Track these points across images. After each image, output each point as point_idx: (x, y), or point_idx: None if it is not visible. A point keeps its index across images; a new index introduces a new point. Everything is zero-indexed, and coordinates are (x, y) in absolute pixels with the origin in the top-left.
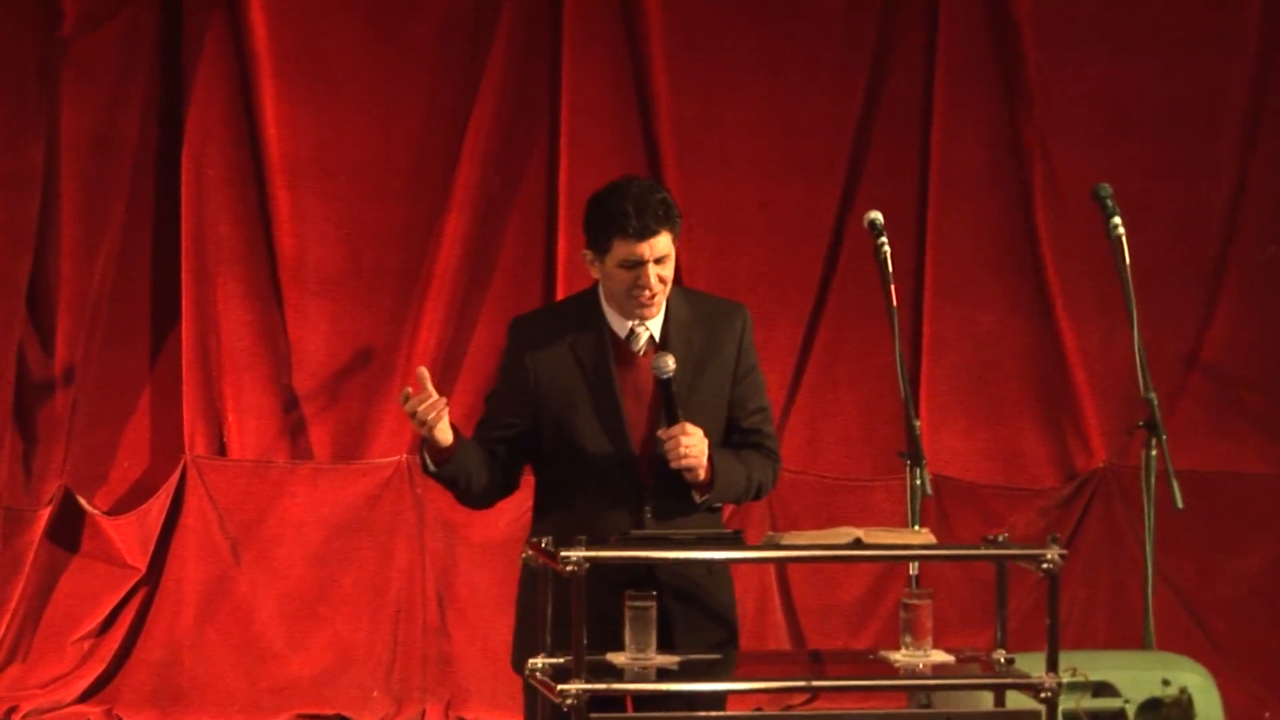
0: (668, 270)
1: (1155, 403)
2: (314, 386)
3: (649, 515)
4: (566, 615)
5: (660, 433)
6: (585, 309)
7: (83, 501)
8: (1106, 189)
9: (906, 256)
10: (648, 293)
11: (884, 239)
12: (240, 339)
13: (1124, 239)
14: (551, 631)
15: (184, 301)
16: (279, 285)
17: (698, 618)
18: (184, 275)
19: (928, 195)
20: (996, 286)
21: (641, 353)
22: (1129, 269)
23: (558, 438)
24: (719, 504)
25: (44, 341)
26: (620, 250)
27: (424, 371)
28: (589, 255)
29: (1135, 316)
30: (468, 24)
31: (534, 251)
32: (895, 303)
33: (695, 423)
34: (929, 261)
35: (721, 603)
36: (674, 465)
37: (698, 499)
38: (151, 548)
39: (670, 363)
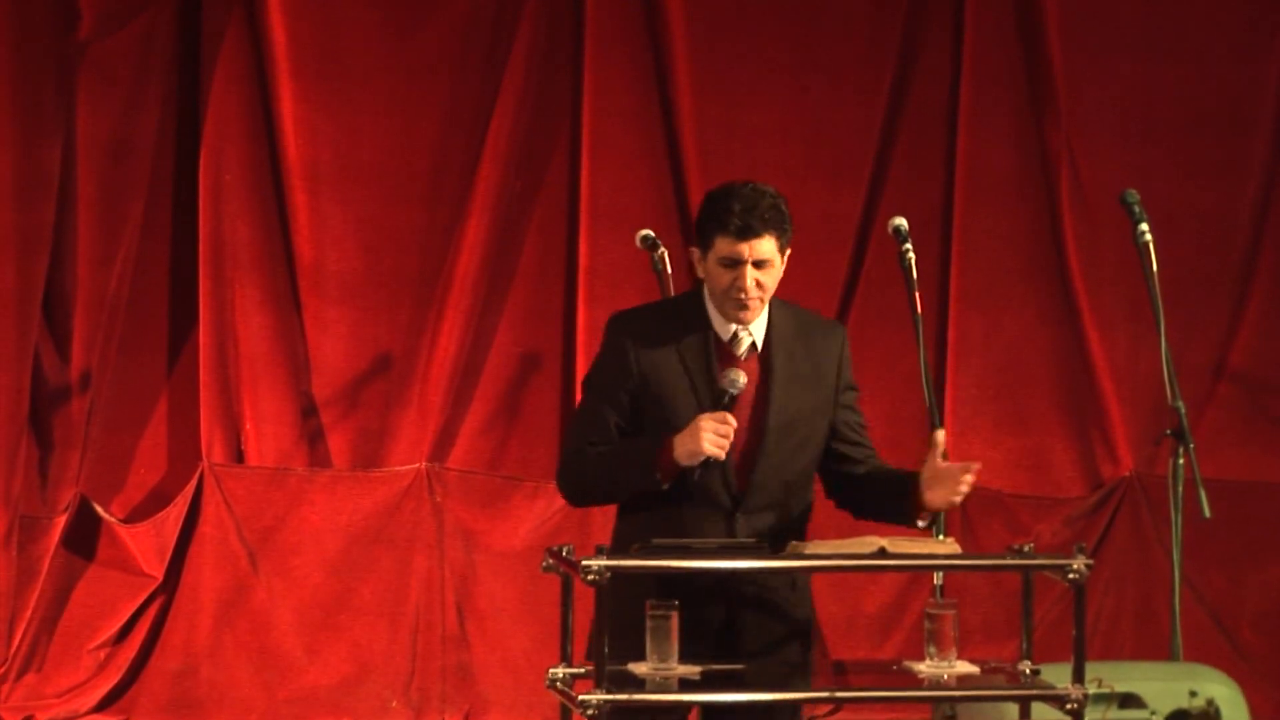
0: (768, 276)
1: (1183, 411)
2: (333, 393)
3: (740, 522)
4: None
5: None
6: (690, 308)
7: (99, 509)
8: (1134, 195)
9: (931, 262)
10: (744, 295)
11: (909, 245)
12: (258, 345)
13: (1151, 245)
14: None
15: (201, 307)
16: (297, 290)
17: (770, 629)
18: (201, 280)
19: (953, 200)
20: (1022, 293)
21: (744, 358)
22: (1156, 275)
23: (657, 435)
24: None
25: (60, 347)
26: (721, 247)
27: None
28: (695, 252)
29: (1163, 324)
30: (488, 25)
31: (555, 256)
32: (920, 309)
33: (786, 432)
34: (954, 267)
35: (796, 617)
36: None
37: (921, 523)
38: (168, 556)
39: (742, 379)
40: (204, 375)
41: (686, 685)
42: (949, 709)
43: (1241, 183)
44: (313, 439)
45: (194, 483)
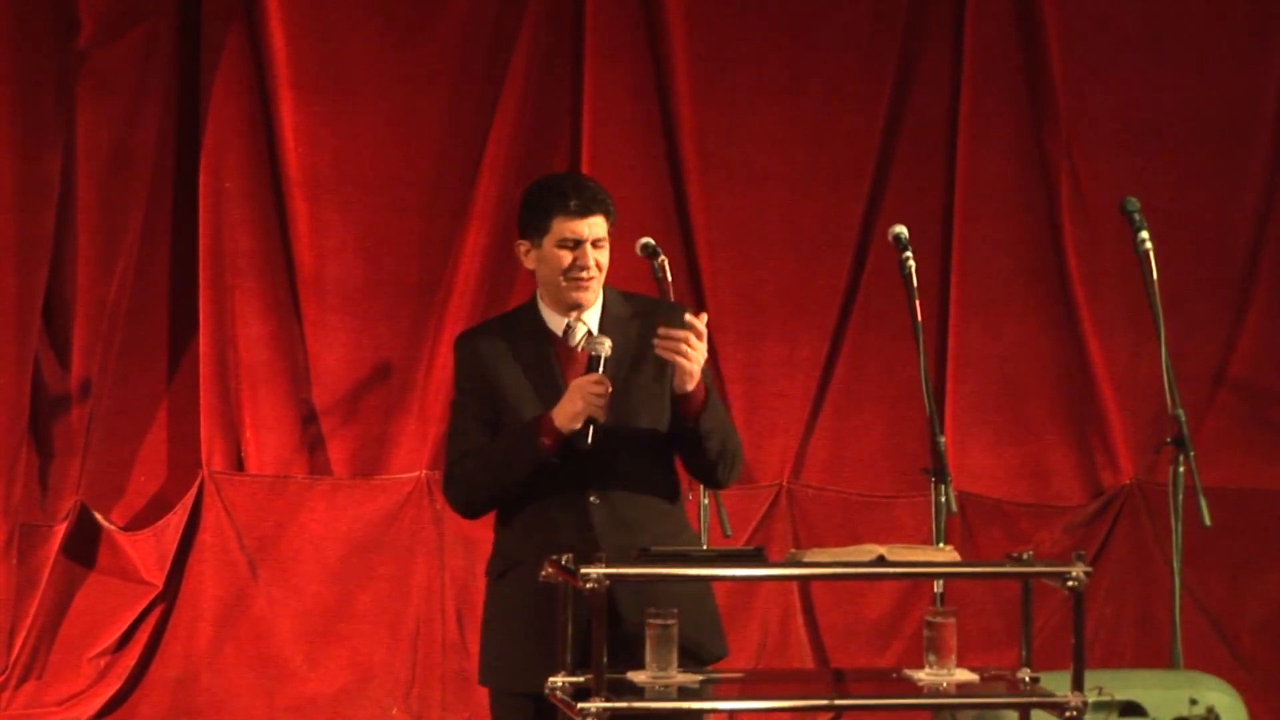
0: (604, 255)
1: (1183, 419)
2: (332, 401)
3: (593, 501)
4: (585, 633)
5: (661, 331)
6: (524, 316)
7: (99, 517)
8: (1134, 203)
9: (931, 270)
10: (585, 272)
11: (909, 254)
12: (258, 353)
13: (1151, 253)
14: (571, 649)
15: (201, 315)
16: (297, 299)
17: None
18: (201, 288)
19: (953, 208)
20: (1023, 301)
21: (579, 347)
22: (1156, 283)
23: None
24: (706, 435)
25: (60, 355)
26: (559, 228)
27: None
28: (524, 246)
29: (1163, 331)
30: (488, 35)
31: None
32: (920, 317)
33: (632, 416)
34: (954, 275)
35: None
36: (674, 356)
37: (687, 418)
38: (168, 564)
39: (607, 343)
40: (204, 383)
41: (686, 693)
42: (949, 716)
43: (1241, 191)
44: (313, 447)
45: (194, 490)
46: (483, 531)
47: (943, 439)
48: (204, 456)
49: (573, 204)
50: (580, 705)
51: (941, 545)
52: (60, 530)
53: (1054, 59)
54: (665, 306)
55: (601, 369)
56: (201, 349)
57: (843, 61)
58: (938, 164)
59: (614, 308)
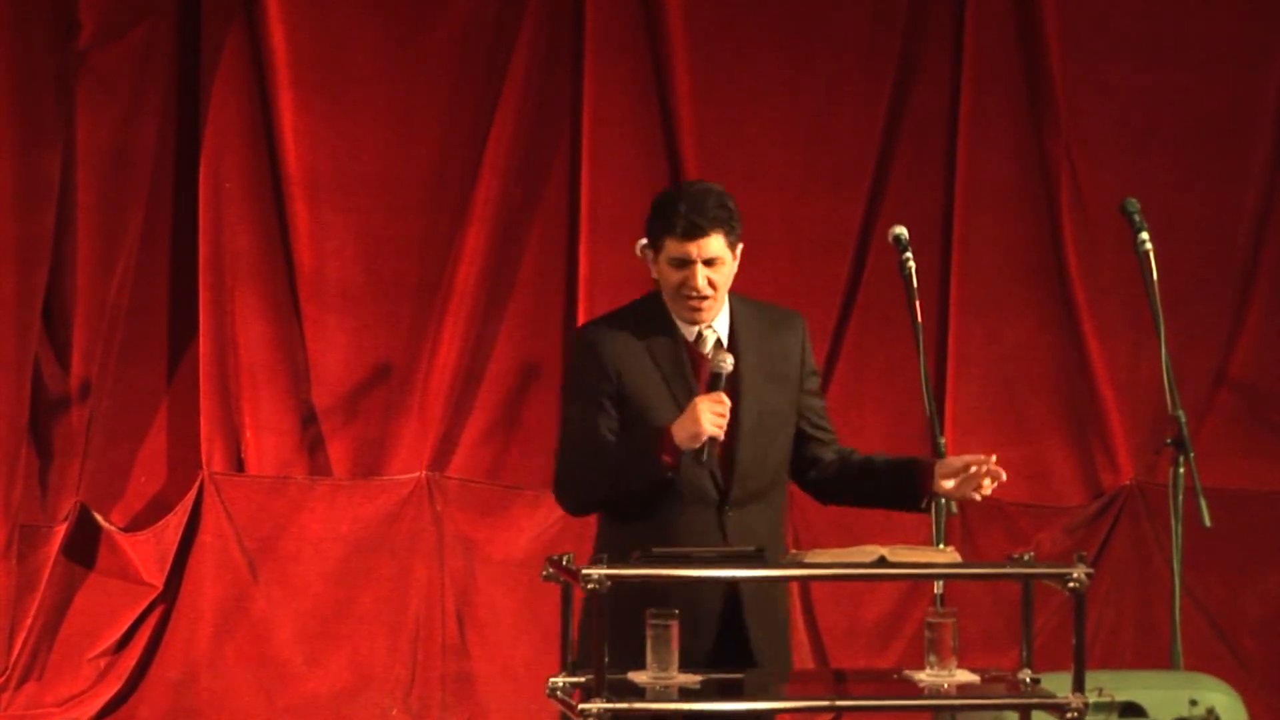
0: (719, 274)
1: (1183, 420)
2: (333, 402)
3: (730, 516)
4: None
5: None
6: (652, 312)
7: (99, 518)
8: (1134, 204)
9: (931, 270)
10: (694, 294)
11: (909, 254)
12: (258, 353)
13: (1151, 254)
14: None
15: (201, 316)
16: (297, 299)
17: (770, 634)
18: (201, 289)
19: (953, 208)
20: (1023, 301)
21: (709, 356)
22: (1156, 284)
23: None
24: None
25: (60, 356)
26: (670, 247)
27: None
28: (649, 254)
29: (1163, 332)
30: (488, 35)
31: (555, 264)
32: (920, 318)
33: (763, 425)
34: (954, 276)
35: (780, 617)
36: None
37: (922, 495)
38: (168, 565)
39: (729, 360)
40: (204, 384)
41: (686, 694)
42: (949, 717)
43: (1241, 191)
44: (313, 447)
45: (194, 491)
46: (483, 533)
47: (943, 440)
48: (204, 457)
49: (680, 227)
50: (581, 706)
51: (942, 546)
52: (60, 531)
53: (1054, 59)
54: (785, 316)
55: (720, 386)
56: (201, 349)
57: (843, 61)
58: (937, 164)
59: (743, 317)
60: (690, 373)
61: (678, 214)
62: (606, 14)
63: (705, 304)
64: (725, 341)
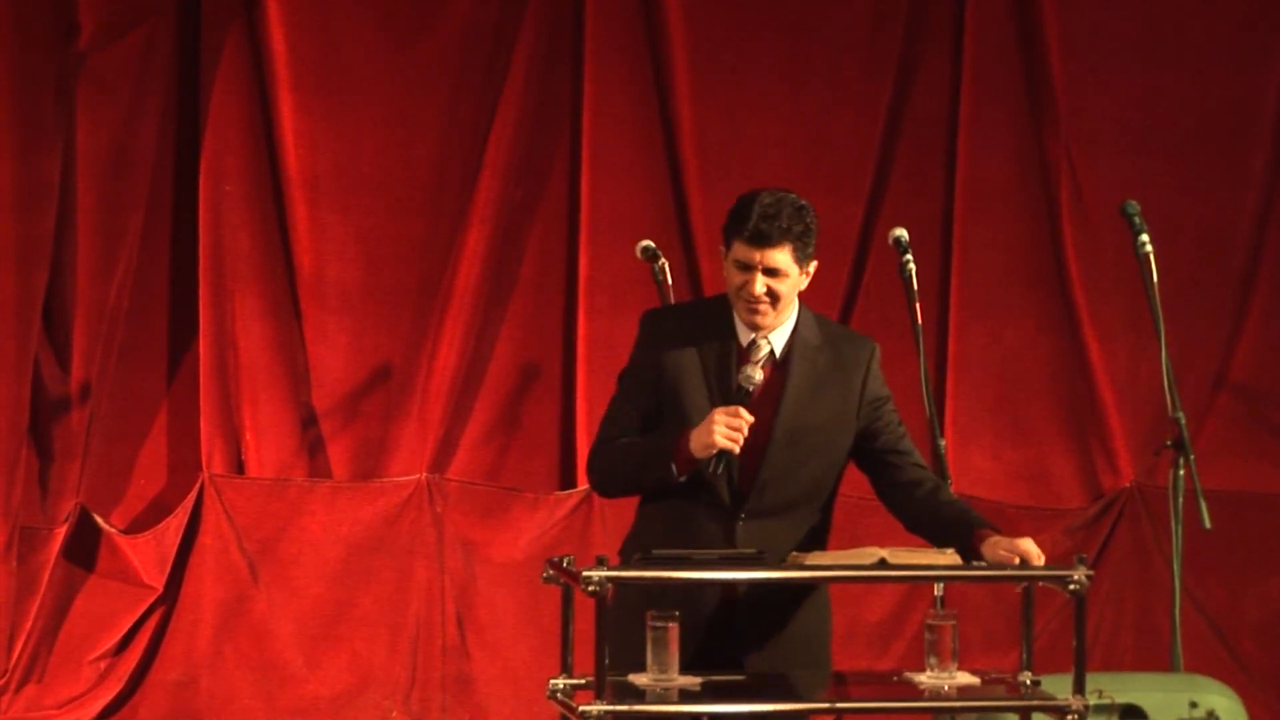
0: (782, 285)
1: (1183, 422)
2: (333, 404)
3: (741, 526)
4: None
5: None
6: (718, 311)
7: (99, 520)
8: (1134, 206)
9: (931, 273)
10: (752, 299)
11: (909, 256)
12: (258, 355)
13: (1151, 256)
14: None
15: (201, 318)
16: (297, 301)
17: (777, 641)
18: (201, 291)
19: (953, 210)
20: (1023, 303)
21: (760, 364)
22: (1156, 286)
23: (673, 429)
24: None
25: (60, 358)
26: (737, 248)
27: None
28: (722, 249)
29: (1163, 334)
30: (488, 36)
31: (555, 266)
32: (920, 320)
33: (797, 440)
34: (954, 278)
35: (806, 630)
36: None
37: (973, 553)
38: (168, 567)
39: (757, 376)
40: (204, 386)
41: (687, 696)
42: (949, 719)
43: (1241, 193)
44: (313, 449)
45: (194, 493)
46: (483, 534)
47: (943, 442)
48: (204, 459)
49: (747, 231)
50: (581, 709)
51: (942, 548)
52: (60, 533)
53: (1054, 61)
54: (855, 339)
55: (745, 401)
56: (201, 351)
57: (843, 62)
58: (938, 167)
59: (805, 332)
60: (733, 376)
61: (750, 218)
62: (606, 14)
63: (762, 308)
64: (779, 354)
